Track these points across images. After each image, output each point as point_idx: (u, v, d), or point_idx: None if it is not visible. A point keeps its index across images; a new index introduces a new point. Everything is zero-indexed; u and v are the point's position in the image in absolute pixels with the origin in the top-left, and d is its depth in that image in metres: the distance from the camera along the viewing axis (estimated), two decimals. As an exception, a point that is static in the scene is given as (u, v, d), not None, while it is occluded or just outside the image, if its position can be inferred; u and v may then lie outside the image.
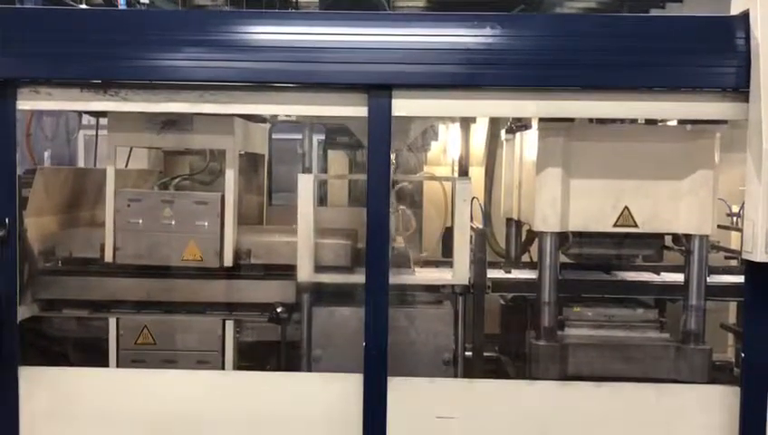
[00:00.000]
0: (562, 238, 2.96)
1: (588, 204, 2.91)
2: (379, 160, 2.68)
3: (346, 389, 2.74)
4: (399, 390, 2.73)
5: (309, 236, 2.98)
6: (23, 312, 2.83)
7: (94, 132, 4.69)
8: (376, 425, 2.72)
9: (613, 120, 3.09)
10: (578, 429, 2.75)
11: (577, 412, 2.75)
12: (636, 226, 2.91)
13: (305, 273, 2.98)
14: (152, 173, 3.94)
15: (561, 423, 2.74)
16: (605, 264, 3.43)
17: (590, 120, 3.11)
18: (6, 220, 2.71)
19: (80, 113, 3.99)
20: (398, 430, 2.73)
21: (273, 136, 4.49)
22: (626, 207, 2.90)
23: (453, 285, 3.02)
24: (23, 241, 2.82)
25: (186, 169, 3.65)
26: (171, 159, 3.83)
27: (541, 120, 2.95)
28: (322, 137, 7.21)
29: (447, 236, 3.90)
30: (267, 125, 3.93)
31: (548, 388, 2.78)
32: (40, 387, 2.78)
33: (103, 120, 4.09)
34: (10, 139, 2.71)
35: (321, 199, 4.22)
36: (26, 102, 2.71)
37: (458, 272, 2.97)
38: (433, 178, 3.58)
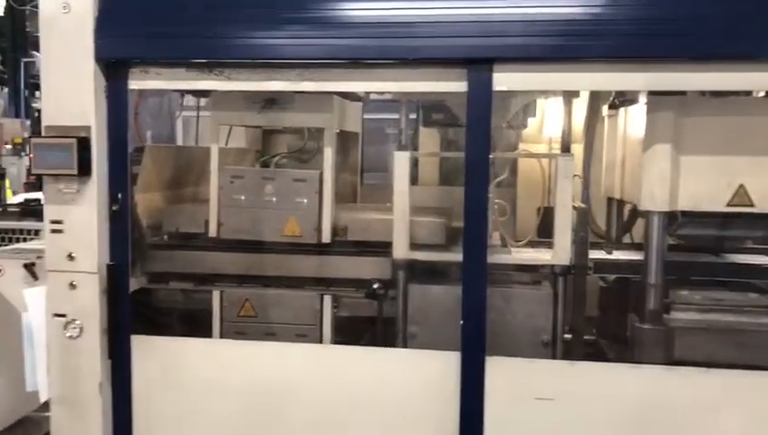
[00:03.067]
0: (670, 218, 2.83)
1: (699, 182, 2.76)
2: (478, 137, 2.64)
3: (443, 366, 2.74)
4: (498, 369, 2.70)
5: (404, 214, 2.97)
6: (133, 284, 2.96)
7: (191, 114, 4.87)
8: (473, 404, 2.71)
9: (728, 93, 2.90)
10: (684, 416, 2.64)
11: (683, 399, 2.64)
12: (752, 205, 2.74)
13: (401, 250, 2.98)
14: (250, 152, 4.04)
15: (666, 409, 2.64)
16: (714, 246, 3.27)
17: (703, 93, 2.94)
18: (119, 195, 2.85)
19: (181, 94, 4.11)
20: (496, 410, 2.71)
21: (363, 116, 4.51)
22: (741, 186, 2.73)
23: (553, 266, 2.95)
24: (133, 216, 2.96)
25: (283, 148, 3.73)
26: (269, 138, 3.91)
27: (649, 93, 2.81)
28: (413, 116, 7.18)
29: (543, 215, 3.82)
30: (361, 104, 3.94)
31: (653, 372, 2.68)
32: (150, 355, 2.92)
33: (203, 102, 4.24)
34: (123, 117, 2.84)
35: (413, 179, 4.21)
36: (137, 82, 2.82)
37: (559, 252, 2.89)
38: (534, 155, 3.48)
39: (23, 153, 13.03)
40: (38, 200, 4.91)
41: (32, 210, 4.77)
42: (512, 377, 2.71)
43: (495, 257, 2.85)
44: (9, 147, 13.32)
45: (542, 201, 3.91)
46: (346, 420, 2.84)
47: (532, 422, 2.70)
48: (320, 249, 3.11)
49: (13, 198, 5.12)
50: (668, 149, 2.75)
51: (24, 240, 4.37)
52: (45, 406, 3.31)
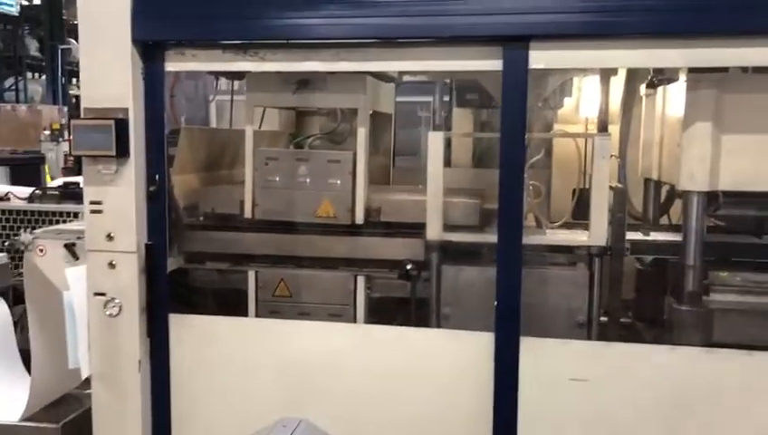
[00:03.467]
0: (710, 198, 2.78)
1: (741, 161, 2.70)
2: (514, 116, 2.61)
3: (477, 347, 2.74)
4: (532, 350, 2.68)
5: (438, 195, 2.96)
6: (170, 264, 3.01)
7: (225, 98, 4.90)
8: (507, 385, 2.70)
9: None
10: (723, 398, 2.60)
11: (723, 381, 2.59)
12: (795, 185, 2.68)
13: (434, 231, 2.97)
14: (283, 135, 4.06)
15: (705, 392, 2.60)
16: (755, 227, 3.20)
17: (745, 69, 2.87)
18: (157, 176, 2.89)
19: (216, 78, 4.14)
20: (530, 391, 2.70)
21: (395, 99, 4.49)
22: (785, 165, 2.67)
23: (589, 247, 2.91)
24: (170, 197, 3.00)
25: (316, 130, 3.74)
26: (302, 120, 3.92)
27: (690, 71, 2.75)
28: (446, 98, 7.14)
29: (579, 197, 3.77)
30: (393, 85, 3.93)
31: (691, 354, 2.64)
32: (187, 333, 2.97)
33: (237, 86, 4.27)
34: (160, 99, 2.87)
35: (446, 161, 4.19)
36: (173, 64, 2.85)
37: (595, 232, 2.86)
38: (570, 134, 3.43)
39: (60, 139, 13.32)
40: (77, 184, 5.00)
41: (71, 193, 4.84)
42: (546, 358, 2.69)
43: (530, 238, 2.83)
44: (47, 133, 13.61)
45: (578, 183, 3.87)
46: (379, 400, 2.85)
47: (566, 404, 2.69)
48: (353, 230, 3.12)
49: (52, 183, 5.21)
50: (709, 128, 2.70)
51: (64, 222, 4.45)
52: (87, 383, 3.39)
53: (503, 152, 2.63)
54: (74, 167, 10.12)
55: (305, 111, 3.75)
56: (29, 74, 18.70)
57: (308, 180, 3.09)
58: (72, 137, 2.82)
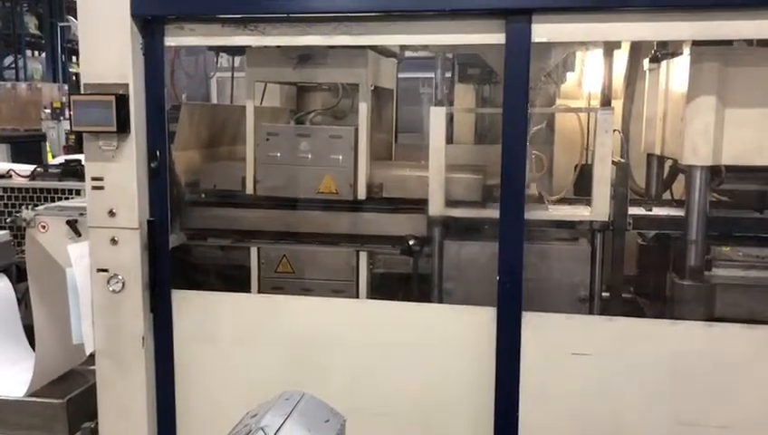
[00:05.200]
0: (713, 173, 2.77)
1: (745, 135, 2.69)
2: (516, 90, 2.59)
3: (479, 322, 2.75)
4: (534, 325, 2.69)
5: (440, 170, 2.95)
6: (173, 240, 3.01)
7: (225, 74, 4.87)
8: (509, 359, 2.71)
9: (777, 43, 2.80)
10: (725, 372, 2.61)
11: (725, 355, 2.60)
12: (802, 159, 2.66)
13: (437, 207, 2.97)
14: (284, 111, 4.04)
15: (707, 365, 2.61)
16: (758, 202, 3.19)
17: (750, 42, 2.84)
18: (158, 152, 2.88)
19: (217, 54, 4.12)
20: (532, 365, 2.71)
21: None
22: (789, 139, 2.65)
23: (591, 222, 2.91)
24: (171, 173, 2.99)
25: (318, 106, 3.72)
26: (303, 96, 3.90)
27: (693, 44, 2.73)
28: (448, 74, 7.08)
29: (580, 173, 3.76)
30: (395, 61, 3.90)
31: (693, 328, 2.65)
32: (190, 309, 2.98)
33: (237, 62, 4.25)
34: (160, 74, 2.85)
35: (448, 137, 4.17)
36: (173, 39, 2.83)
37: (598, 207, 2.85)
38: (573, 109, 3.42)
39: (61, 117, 13.27)
40: (78, 161, 4.99)
41: (72, 171, 4.84)
42: (548, 332, 2.70)
43: (533, 213, 2.82)
44: (48, 111, 13.54)
45: (580, 159, 3.85)
46: (382, 374, 2.87)
47: (568, 377, 2.70)
48: (355, 206, 3.11)
49: (53, 161, 5.20)
50: (713, 102, 2.68)
51: (66, 200, 4.45)
52: (90, 360, 3.41)
53: (505, 128, 2.62)
54: (75, 145, 10.10)
55: (307, 86, 3.73)
56: (28, 52, 18.59)
57: (310, 156, 3.08)
58: (72, 113, 2.80)
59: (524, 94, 2.58)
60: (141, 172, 2.86)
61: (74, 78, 10.52)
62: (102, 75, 2.80)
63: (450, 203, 3.01)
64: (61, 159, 5.18)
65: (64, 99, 13.82)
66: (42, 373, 3.30)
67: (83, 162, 4.93)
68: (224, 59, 4.56)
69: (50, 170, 4.86)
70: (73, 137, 11.20)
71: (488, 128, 4.52)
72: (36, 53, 19.20)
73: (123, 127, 2.77)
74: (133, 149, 2.82)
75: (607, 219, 2.88)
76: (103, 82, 2.79)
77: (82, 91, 2.83)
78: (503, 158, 2.63)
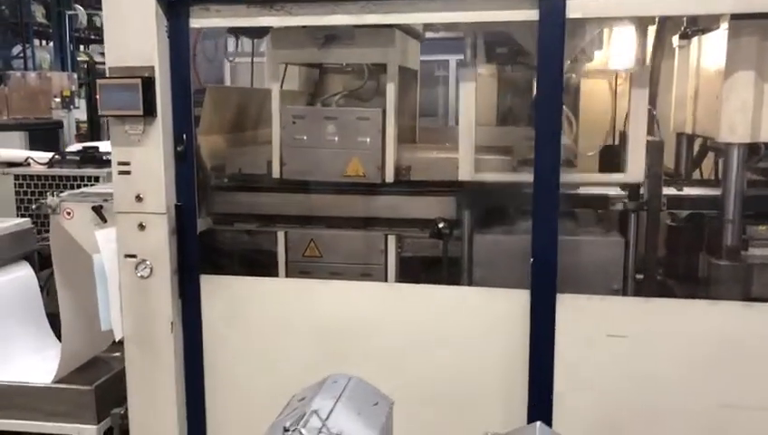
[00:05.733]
0: (751, 151, 2.71)
1: (786, 111, 2.63)
2: (550, 69, 2.54)
3: (512, 304, 2.71)
4: (568, 307, 2.66)
5: (470, 131, 2.88)
6: (199, 225, 2.98)
7: (239, 60, 4.83)
8: (543, 342, 2.68)
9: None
10: (763, 351, 2.57)
11: (763, 335, 2.56)
12: None
13: (467, 171, 2.89)
14: (303, 94, 3.99)
15: (746, 346, 2.57)
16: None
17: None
18: (184, 136, 2.85)
19: (237, 36, 4.07)
20: (566, 348, 2.68)
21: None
22: (832, 115, 2.59)
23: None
24: (197, 157, 2.95)
25: (339, 88, 3.66)
26: (324, 78, 3.85)
27: (731, 18, 2.66)
28: (461, 57, 6.98)
29: (604, 154, 3.71)
30: (419, 42, 3.84)
31: (732, 309, 2.60)
32: (219, 294, 2.96)
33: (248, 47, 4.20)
34: (185, 57, 2.81)
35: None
36: (198, 20, 2.79)
37: (633, 169, 2.76)
38: (607, 72, 3.33)
39: (72, 106, 13.25)
40: (96, 148, 4.98)
41: (90, 157, 4.83)
42: (583, 315, 2.67)
43: (565, 177, 2.73)
44: (58, 100, 13.52)
45: (605, 139, 3.80)
46: (413, 358, 2.85)
47: (603, 360, 2.67)
48: (383, 189, 3.07)
49: (69, 148, 5.18)
50: (751, 77, 2.62)
51: (85, 187, 4.43)
52: (114, 347, 3.41)
53: (539, 108, 2.57)
54: (88, 133, 10.09)
55: (328, 69, 3.68)
56: (36, 42, 18.54)
57: (336, 139, 3.03)
58: (98, 97, 2.77)
59: (559, 72, 2.53)
60: (168, 156, 2.83)
61: (86, 65, 10.46)
62: (127, 58, 2.76)
63: (479, 184, 2.94)
64: (78, 146, 5.15)
65: (74, 87, 13.79)
66: (68, 360, 3.29)
67: (102, 149, 4.95)
68: (239, 43, 4.52)
69: (68, 158, 4.84)
70: (85, 125, 11.19)
71: (510, 109, 4.46)
72: (44, 42, 19.17)
73: (150, 110, 2.74)
74: (160, 132, 2.79)
75: (641, 181, 2.80)
76: (128, 65, 2.75)
77: (107, 75, 2.79)
78: (537, 134, 2.58)
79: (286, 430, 1.35)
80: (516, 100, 4.28)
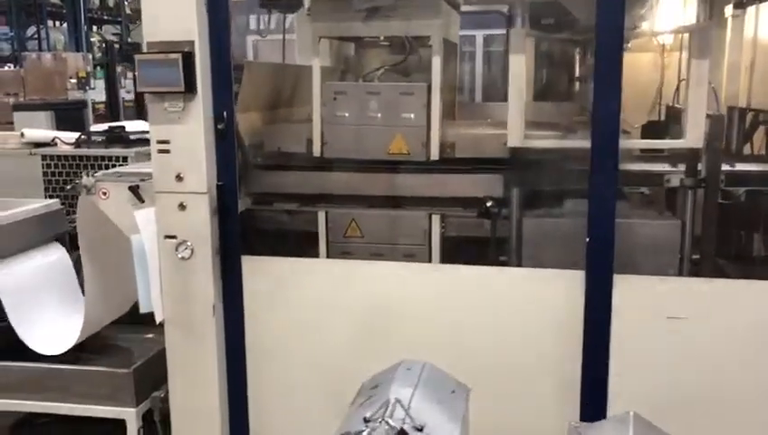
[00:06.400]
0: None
1: None
2: (610, 36, 2.42)
3: (565, 285, 2.62)
4: (626, 288, 2.56)
5: (521, 96, 2.77)
6: (239, 205, 2.90)
7: (261, 38, 4.71)
8: (599, 325, 2.59)
9: None
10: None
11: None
12: None
13: (516, 137, 2.79)
14: (336, 71, 3.89)
15: (812, 328, 2.48)
16: None
17: None
18: (225, 113, 2.76)
19: (269, 10, 3.95)
20: (623, 331, 2.59)
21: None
22: None
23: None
24: (237, 135, 2.87)
25: (376, 64, 3.56)
26: (360, 53, 3.74)
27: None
28: (488, 32, 6.84)
29: (649, 127, 3.60)
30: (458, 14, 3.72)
31: (797, 290, 2.50)
32: (260, 275, 2.89)
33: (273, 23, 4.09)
34: (225, 31, 2.72)
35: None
36: (238, -8, 2.69)
37: (693, 135, 2.64)
38: (677, 30, 3.20)
39: (87, 87, 13.20)
40: (122, 128, 4.90)
41: (116, 137, 4.76)
42: (641, 296, 2.57)
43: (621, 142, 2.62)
44: (74, 81, 13.45)
45: (648, 115, 3.70)
46: (459, 342, 2.76)
47: (663, 343, 2.58)
48: (427, 167, 2.97)
49: (94, 127, 5.11)
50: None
51: (114, 167, 4.37)
52: (147, 327, 3.36)
53: (598, 76, 2.45)
54: (107, 113, 10.03)
55: (365, 43, 3.57)
56: (50, 22, 18.44)
57: (379, 115, 2.93)
58: (136, 73, 2.68)
59: (619, 41, 2.41)
60: (209, 134, 2.75)
61: (104, 44, 10.39)
62: (166, 33, 2.67)
63: (527, 163, 2.84)
64: (103, 126, 5.08)
65: (89, 68, 13.70)
66: (89, 327, 3.27)
67: (128, 129, 4.87)
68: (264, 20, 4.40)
69: (93, 138, 4.78)
70: (102, 106, 11.13)
71: (545, 85, 4.34)
72: (58, 23, 19.07)
73: (190, 86, 2.65)
74: (200, 109, 2.70)
75: (701, 147, 2.69)
76: (167, 39, 2.66)
77: (145, 50, 2.70)
78: (595, 108, 2.47)
79: (367, 420, 1.27)
80: (551, 75, 4.17)
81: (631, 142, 2.79)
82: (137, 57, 2.70)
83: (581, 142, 2.55)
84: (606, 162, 2.48)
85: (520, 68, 2.77)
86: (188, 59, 2.62)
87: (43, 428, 3.61)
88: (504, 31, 5.63)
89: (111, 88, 9.75)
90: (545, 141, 2.84)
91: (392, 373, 1.47)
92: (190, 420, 2.94)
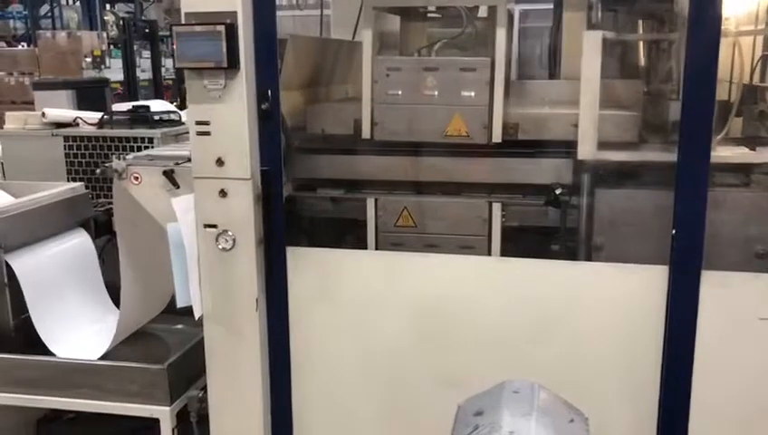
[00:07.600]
0: None
1: None
2: (707, 12, 2.16)
3: (645, 282, 2.39)
4: (713, 285, 2.33)
5: (594, 105, 2.53)
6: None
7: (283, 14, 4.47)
8: (683, 326, 2.36)
9: None
10: None
11: None
12: None
13: (588, 149, 2.56)
14: (377, 46, 3.63)
15: None
16: None
17: None
18: (269, 92, 2.52)
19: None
20: (710, 331, 2.36)
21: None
22: None
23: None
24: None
25: (422, 40, 3.31)
26: (405, 27, 3.48)
27: None
28: (525, 6, 6.50)
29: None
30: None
31: None
32: (306, 268, 2.67)
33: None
34: (270, 1, 2.47)
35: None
36: (285, -42, 2.44)
37: None
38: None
39: (102, 66, 12.98)
40: (147, 107, 4.68)
41: (141, 117, 4.54)
42: (731, 294, 2.33)
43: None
44: (89, 60, 13.24)
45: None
46: (524, 342, 2.54)
47: (754, 347, 2.34)
48: (488, 150, 2.73)
49: (117, 107, 4.88)
50: None
51: (139, 149, 4.15)
52: (176, 317, 3.19)
53: (691, 55, 2.20)
54: (126, 93, 9.81)
55: (412, 15, 3.30)
56: (63, 0, 18.24)
57: (436, 93, 2.68)
58: (175, 47, 2.44)
59: (718, 10, 2.15)
60: (252, 115, 2.51)
61: (121, 22, 10.15)
62: (205, 3, 2.43)
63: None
64: (126, 105, 4.85)
65: (104, 47, 13.48)
66: (124, 330, 3.09)
67: (153, 109, 4.64)
68: None
69: (116, 118, 4.55)
70: (118, 85, 10.89)
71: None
72: (71, 1, 18.85)
73: (233, 62, 2.41)
74: (243, 87, 2.46)
75: None
76: (207, 10, 2.42)
77: (183, 22, 2.46)
78: (686, 90, 2.22)
79: (484, 459, 1.04)
80: (615, 50, 3.88)
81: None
82: (175, 29, 2.45)
83: (663, 155, 2.30)
84: (698, 150, 2.23)
85: (594, 72, 2.51)
86: (231, 32, 2.38)
87: (70, 423, 3.44)
88: (541, 6, 5.31)
89: (130, 67, 9.50)
90: (620, 155, 2.59)
91: (497, 397, 1.25)
92: (230, 423, 2.74)
